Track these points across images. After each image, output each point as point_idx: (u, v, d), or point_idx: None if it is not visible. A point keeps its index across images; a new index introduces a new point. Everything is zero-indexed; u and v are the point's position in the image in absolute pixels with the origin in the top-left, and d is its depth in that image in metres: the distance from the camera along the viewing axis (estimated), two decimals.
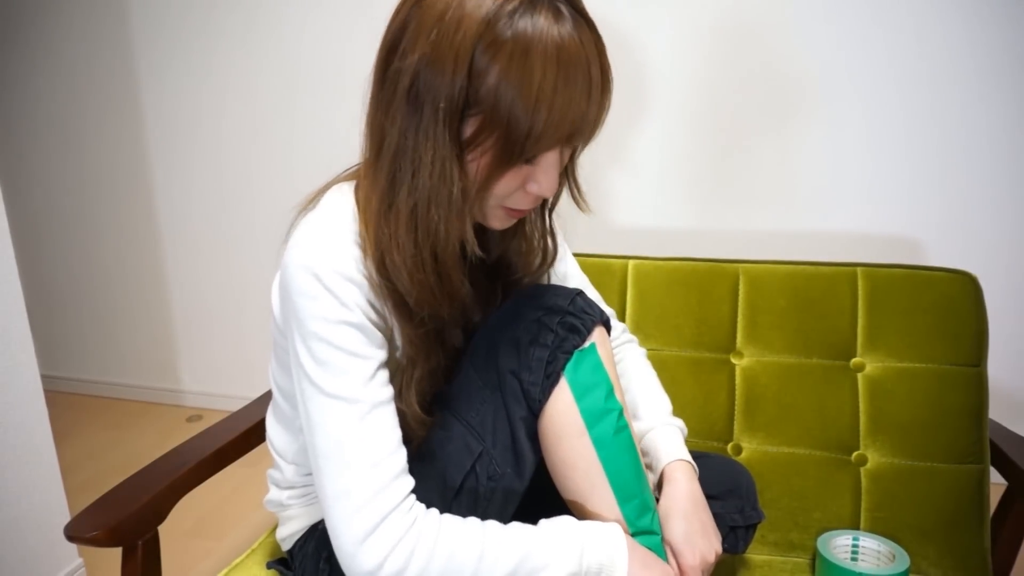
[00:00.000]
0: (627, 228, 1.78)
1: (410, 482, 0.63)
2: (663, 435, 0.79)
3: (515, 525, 0.64)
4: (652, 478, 0.76)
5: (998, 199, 1.55)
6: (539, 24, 0.55)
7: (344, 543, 0.60)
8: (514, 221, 0.69)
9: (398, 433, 0.64)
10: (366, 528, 0.59)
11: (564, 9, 0.57)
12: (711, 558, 0.70)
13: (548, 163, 0.61)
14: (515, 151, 0.58)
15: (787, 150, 1.64)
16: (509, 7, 0.55)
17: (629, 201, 1.76)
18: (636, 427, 0.80)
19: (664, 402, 0.85)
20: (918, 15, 1.49)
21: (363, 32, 1.78)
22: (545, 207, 0.76)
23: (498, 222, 0.67)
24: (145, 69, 2.06)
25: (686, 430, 0.82)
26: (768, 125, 1.63)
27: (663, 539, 0.71)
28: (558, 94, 0.55)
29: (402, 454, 0.64)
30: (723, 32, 1.60)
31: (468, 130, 0.58)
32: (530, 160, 0.61)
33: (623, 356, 0.90)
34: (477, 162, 0.59)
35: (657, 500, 0.74)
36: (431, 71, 0.57)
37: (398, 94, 0.59)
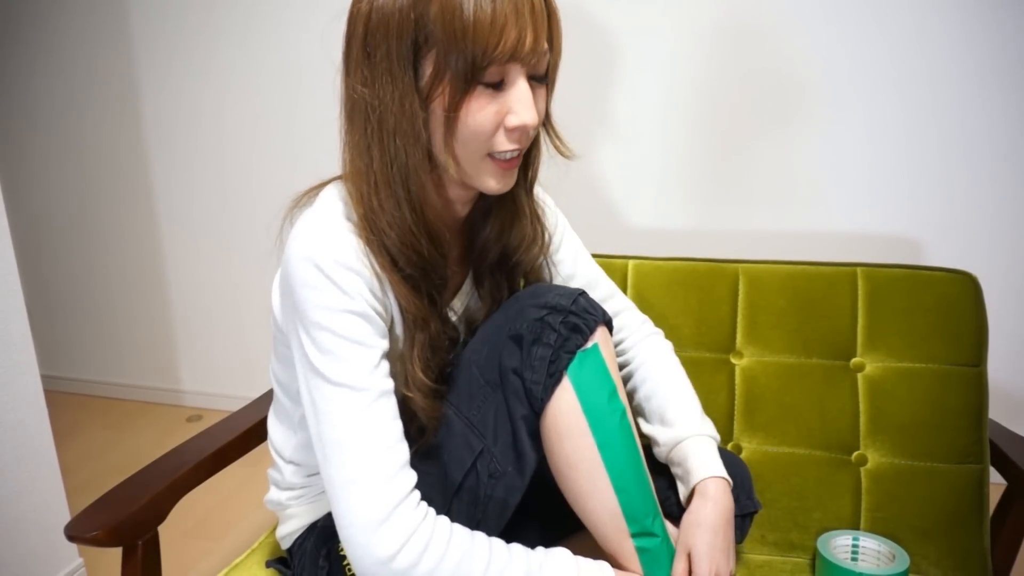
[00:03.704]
0: (627, 228, 1.78)
1: (414, 475, 0.64)
2: (698, 447, 0.77)
3: (515, 546, 0.65)
4: (683, 490, 0.76)
5: (998, 199, 1.55)
6: None
7: (356, 532, 0.60)
8: (510, 181, 0.67)
9: (400, 424, 0.65)
10: (379, 516, 0.59)
11: None
12: None
13: (518, 92, 0.60)
14: (467, 69, 0.58)
15: (787, 150, 1.64)
16: None
17: (629, 201, 1.76)
18: (666, 434, 0.80)
19: (695, 406, 0.82)
20: (918, 15, 1.49)
21: None
22: (527, 183, 0.75)
23: (492, 179, 0.66)
24: (145, 69, 2.06)
25: (719, 437, 0.81)
26: (768, 125, 1.63)
27: (680, 543, 0.71)
28: (481, 8, 0.56)
29: (405, 446, 0.64)
30: (723, 32, 1.60)
31: (426, 68, 0.59)
32: (492, 85, 0.60)
33: (650, 352, 0.88)
34: (442, 98, 0.60)
35: (677, 511, 0.75)
36: (379, 12, 0.59)
37: (354, 48, 0.62)
